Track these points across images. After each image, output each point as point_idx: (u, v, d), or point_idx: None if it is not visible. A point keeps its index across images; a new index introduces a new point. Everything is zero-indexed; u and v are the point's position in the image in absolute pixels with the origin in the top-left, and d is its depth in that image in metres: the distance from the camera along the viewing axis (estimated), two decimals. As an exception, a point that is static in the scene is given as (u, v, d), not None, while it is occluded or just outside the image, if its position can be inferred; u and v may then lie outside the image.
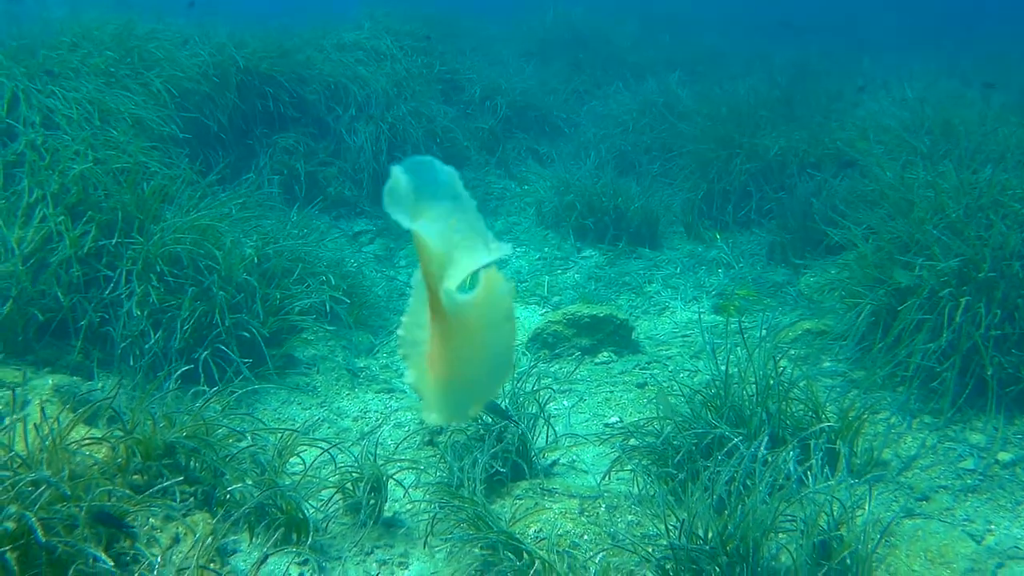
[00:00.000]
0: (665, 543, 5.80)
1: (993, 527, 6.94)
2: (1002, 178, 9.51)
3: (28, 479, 4.83)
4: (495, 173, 14.89)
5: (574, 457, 7.92)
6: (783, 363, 7.79)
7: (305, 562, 6.16)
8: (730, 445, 6.69)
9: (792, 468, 6.47)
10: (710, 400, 7.47)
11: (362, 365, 9.71)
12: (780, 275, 11.62)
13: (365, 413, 8.66)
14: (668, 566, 5.71)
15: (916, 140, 11.94)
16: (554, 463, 7.79)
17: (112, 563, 4.64)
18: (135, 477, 6.04)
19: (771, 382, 7.44)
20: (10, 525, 4.59)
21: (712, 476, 6.17)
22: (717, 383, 7.53)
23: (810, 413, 7.42)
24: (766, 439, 6.58)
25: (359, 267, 11.21)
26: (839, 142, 13.29)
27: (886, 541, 6.25)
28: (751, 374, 7.50)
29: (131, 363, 8.43)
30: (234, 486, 6.27)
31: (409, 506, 6.95)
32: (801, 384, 7.62)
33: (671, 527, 5.82)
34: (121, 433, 6.20)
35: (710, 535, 5.70)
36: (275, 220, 10.97)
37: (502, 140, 15.37)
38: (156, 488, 5.86)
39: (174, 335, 8.43)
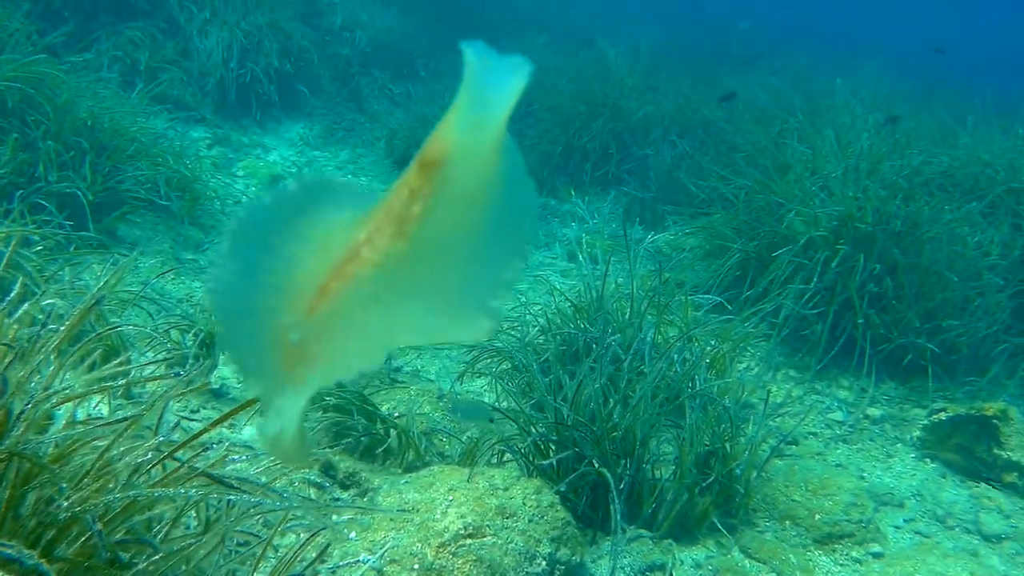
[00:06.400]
0: (548, 420, 5.14)
1: (866, 474, 6.56)
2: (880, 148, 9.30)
3: None
4: (346, 105, 14.00)
5: (418, 367, 7.21)
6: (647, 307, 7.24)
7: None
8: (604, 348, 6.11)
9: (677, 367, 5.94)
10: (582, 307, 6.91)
11: (190, 257, 8.78)
12: (637, 232, 11.13)
13: (190, 297, 7.74)
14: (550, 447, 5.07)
15: (789, 116, 11.64)
16: (398, 369, 7.06)
17: None
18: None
19: (647, 301, 6.96)
20: None
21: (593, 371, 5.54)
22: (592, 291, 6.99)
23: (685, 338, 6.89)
24: (651, 333, 6.03)
25: (195, 165, 10.16)
26: (704, 109, 13.02)
27: (760, 475, 5.75)
28: (627, 288, 7.01)
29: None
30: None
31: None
32: (675, 307, 7.19)
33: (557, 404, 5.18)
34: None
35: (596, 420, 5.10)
36: (113, 95, 9.94)
37: (358, 74, 14.50)
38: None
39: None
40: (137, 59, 11.84)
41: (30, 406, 2.43)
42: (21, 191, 7.48)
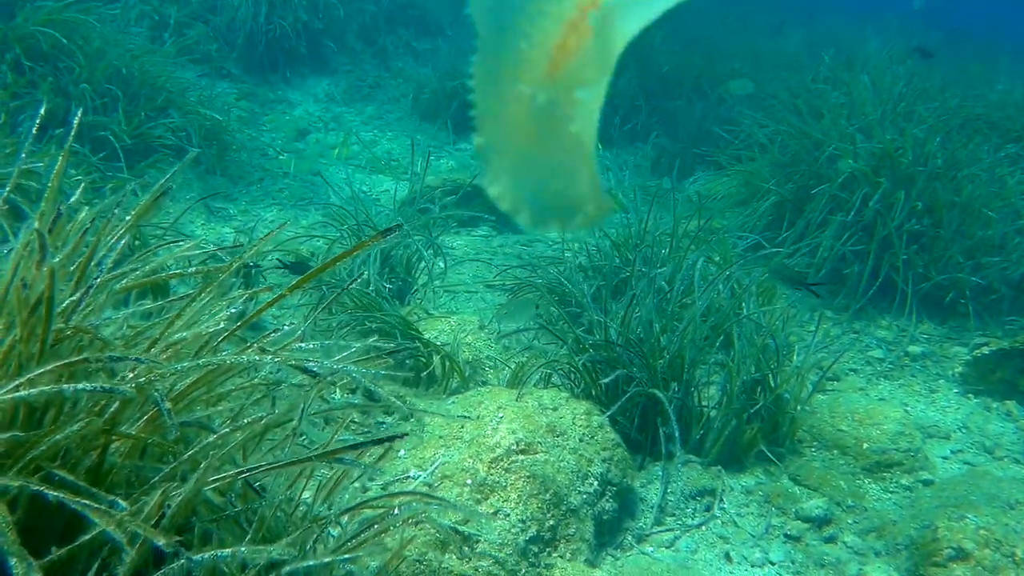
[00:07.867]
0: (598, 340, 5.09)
1: (910, 408, 6.49)
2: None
3: None
4: (371, 62, 13.92)
5: (452, 309, 7.15)
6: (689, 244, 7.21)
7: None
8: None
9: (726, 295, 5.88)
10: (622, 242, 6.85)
11: (219, 206, 8.74)
12: (667, 183, 11.02)
13: (221, 242, 7.71)
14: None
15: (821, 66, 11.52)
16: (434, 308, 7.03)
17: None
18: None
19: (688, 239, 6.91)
20: None
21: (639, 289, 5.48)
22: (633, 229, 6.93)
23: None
24: (701, 261, 5.97)
25: (224, 116, 10.11)
26: (735, 61, 12.95)
27: (803, 408, 5.66)
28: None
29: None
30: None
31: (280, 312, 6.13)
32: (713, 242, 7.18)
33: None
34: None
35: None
36: (141, 46, 9.90)
37: (384, 31, 14.40)
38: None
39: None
40: (165, 14, 11.78)
41: (99, 280, 2.38)
42: (60, 129, 7.47)
